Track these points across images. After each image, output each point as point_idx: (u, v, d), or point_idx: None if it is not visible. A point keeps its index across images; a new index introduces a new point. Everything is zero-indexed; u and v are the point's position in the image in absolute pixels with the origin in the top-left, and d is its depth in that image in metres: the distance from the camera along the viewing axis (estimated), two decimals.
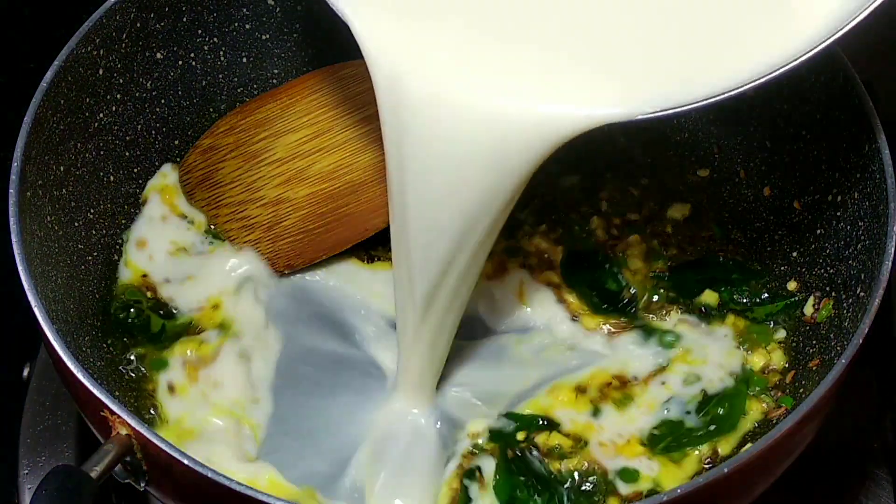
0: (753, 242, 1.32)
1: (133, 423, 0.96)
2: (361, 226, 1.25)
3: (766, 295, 1.28)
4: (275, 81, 1.41)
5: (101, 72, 1.24)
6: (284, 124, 1.30)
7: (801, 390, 1.17)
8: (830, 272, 1.22)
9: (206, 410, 1.18)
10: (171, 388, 1.20)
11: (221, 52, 1.38)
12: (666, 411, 1.19)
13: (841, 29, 0.97)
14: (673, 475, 1.13)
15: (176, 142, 1.36)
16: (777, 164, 1.32)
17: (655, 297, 1.28)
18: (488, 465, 1.14)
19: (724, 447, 1.16)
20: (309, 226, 1.27)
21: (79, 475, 0.93)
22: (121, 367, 1.21)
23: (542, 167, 1.00)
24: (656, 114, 0.96)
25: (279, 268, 1.30)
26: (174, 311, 1.26)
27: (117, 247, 1.29)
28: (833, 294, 1.20)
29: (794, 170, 1.29)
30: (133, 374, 1.21)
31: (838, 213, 1.21)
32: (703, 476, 0.95)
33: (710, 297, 1.28)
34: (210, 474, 0.94)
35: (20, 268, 1.06)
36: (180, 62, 1.35)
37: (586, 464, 1.14)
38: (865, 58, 1.23)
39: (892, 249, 1.07)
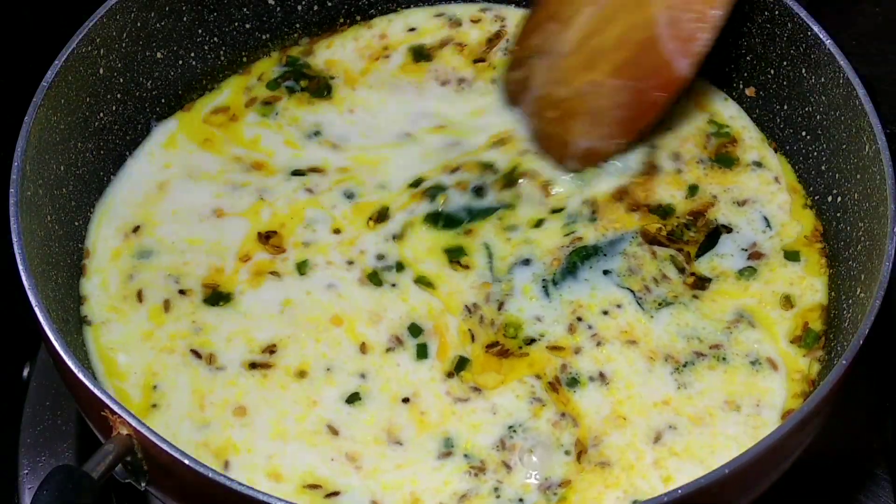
0: None
1: (134, 422, 0.96)
2: (671, 74, 1.23)
3: None
4: None
5: (101, 71, 1.25)
6: (569, 7, 1.29)
7: None
8: (830, 273, 1.22)
9: None
10: None
11: (221, 52, 1.38)
12: None
13: None
14: None
15: None
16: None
17: None
18: None
19: None
20: (623, 99, 1.26)
21: (79, 475, 0.93)
22: None
23: None
24: None
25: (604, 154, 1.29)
26: None
27: None
28: (833, 294, 1.20)
29: (794, 171, 1.30)
30: None
31: (838, 215, 1.21)
32: (703, 476, 0.95)
33: None
34: (210, 474, 0.94)
35: (20, 268, 1.06)
36: (180, 62, 1.35)
37: None
38: (865, 58, 1.23)
39: (892, 250, 1.07)
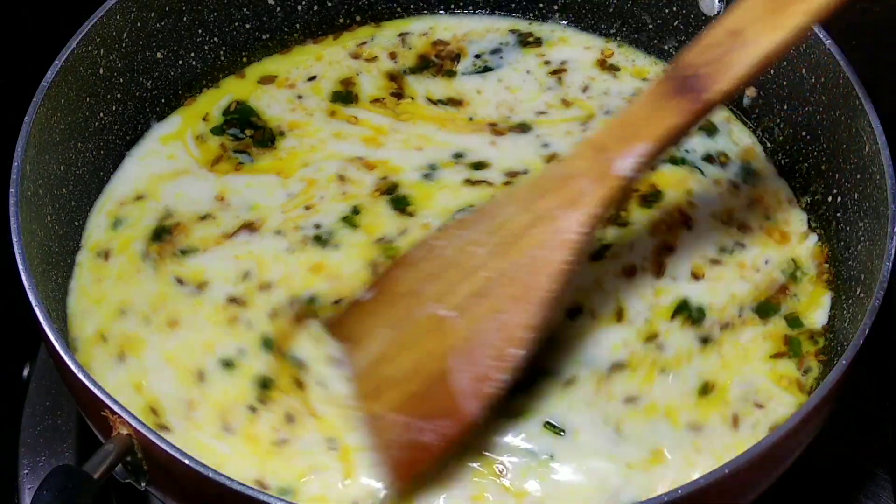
0: None
1: (134, 422, 0.96)
2: (462, 414, 1.06)
3: None
4: None
5: (101, 71, 1.25)
6: (361, 326, 1.15)
7: None
8: (831, 273, 1.22)
9: None
10: None
11: (221, 52, 1.38)
12: None
13: None
14: None
15: None
16: (777, 165, 1.32)
17: None
18: None
19: None
20: (398, 438, 1.08)
21: (79, 475, 0.93)
22: None
23: None
24: None
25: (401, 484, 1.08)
26: None
27: None
28: (833, 294, 1.20)
29: (795, 171, 1.30)
30: None
31: (838, 214, 1.21)
32: (703, 476, 0.95)
33: None
34: (211, 474, 0.94)
35: (20, 268, 1.06)
36: (180, 62, 1.35)
37: None
38: (865, 58, 1.23)
39: (892, 250, 1.07)
